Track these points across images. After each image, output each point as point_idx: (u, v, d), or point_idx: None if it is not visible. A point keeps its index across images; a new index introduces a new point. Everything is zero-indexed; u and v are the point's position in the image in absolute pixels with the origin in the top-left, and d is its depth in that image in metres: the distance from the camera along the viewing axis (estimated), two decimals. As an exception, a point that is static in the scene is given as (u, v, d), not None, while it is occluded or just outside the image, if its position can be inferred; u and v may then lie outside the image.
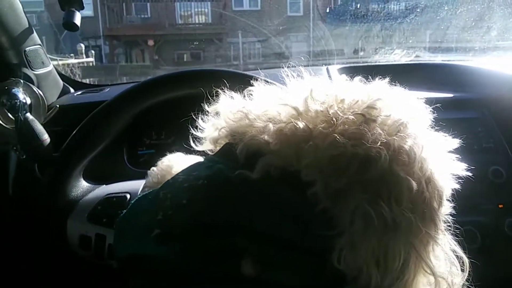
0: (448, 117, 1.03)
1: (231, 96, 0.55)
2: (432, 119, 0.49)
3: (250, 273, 0.41)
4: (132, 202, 0.54)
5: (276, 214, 0.42)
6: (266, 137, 0.46)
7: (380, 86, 0.50)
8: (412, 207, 0.41)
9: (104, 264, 0.70)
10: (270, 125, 0.46)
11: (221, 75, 0.81)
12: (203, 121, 0.57)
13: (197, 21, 13.46)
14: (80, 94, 1.20)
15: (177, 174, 0.50)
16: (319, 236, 0.43)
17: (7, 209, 0.99)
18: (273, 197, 0.44)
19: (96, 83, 1.42)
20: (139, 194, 0.68)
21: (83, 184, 0.74)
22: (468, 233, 0.90)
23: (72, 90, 1.30)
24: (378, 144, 0.41)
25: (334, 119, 0.44)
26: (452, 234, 0.46)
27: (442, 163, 0.46)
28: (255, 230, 0.42)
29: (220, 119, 0.54)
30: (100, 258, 0.69)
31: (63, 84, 1.25)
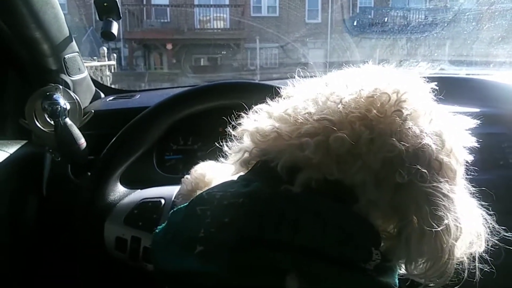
0: (474, 131, 1.03)
1: (256, 114, 0.56)
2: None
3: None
4: (169, 215, 0.56)
5: (320, 227, 0.44)
6: (306, 152, 0.47)
7: (394, 75, 0.52)
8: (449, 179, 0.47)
9: (139, 266, 0.72)
10: (310, 141, 0.48)
11: (254, 88, 0.83)
12: (229, 146, 0.59)
13: (215, 27, 13.61)
14: (112, 99, 1.24)
15: (213, 190, 0.51)
16: (364, 247, 0.44)
17: (42, 210, 1.03)
18: (315, 210, 0.45)
19: (125, 88, 1.46)
20: (174, 201, 0.71)
21: (120, 188, 0.77)
22: (493, 250, 0.89)
23: (102, 95, 1.35)
24: (419, 136, 0.45)
25: (373, 122, 0.46)
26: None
27: (462, 138, 0.51)
28: (299, 245, 0.43)
29: (247, 140, 0.55)
30: (135, 260, 0.72)
31: (95, 89, 1.30)
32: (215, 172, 0.67)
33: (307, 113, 0.50)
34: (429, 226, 0.43)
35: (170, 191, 0.77)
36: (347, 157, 0.47)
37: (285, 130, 0.50)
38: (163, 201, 0.75)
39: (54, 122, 0.89)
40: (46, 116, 0.95)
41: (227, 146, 0.59)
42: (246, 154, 0.55)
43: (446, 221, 0.44)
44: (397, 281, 0.50)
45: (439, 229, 0.43)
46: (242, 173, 0.56)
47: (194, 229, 0.47)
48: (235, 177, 0.55)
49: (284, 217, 0.44)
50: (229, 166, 0.61)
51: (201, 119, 1.02)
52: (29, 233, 1.01)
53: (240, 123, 0.57)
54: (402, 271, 0.50)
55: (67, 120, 0.89)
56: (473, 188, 0.53)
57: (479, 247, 0.49)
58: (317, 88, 0.54)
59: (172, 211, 0.57)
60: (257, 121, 0.55)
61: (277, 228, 0.44)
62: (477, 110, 1.14)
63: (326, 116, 0.48)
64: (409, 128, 0.46)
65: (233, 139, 0.59)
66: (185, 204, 0.54)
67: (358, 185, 0.47)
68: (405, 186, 0.45)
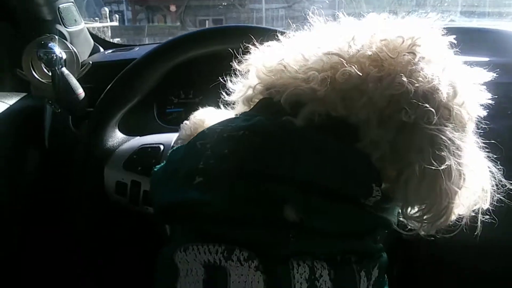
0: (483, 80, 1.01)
1: (263, 51, 0.55)
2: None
3: (293, 219, 0.42)
4: (169, 153, 0.56)
5: (320, 162, 0.43)
6: (312, 85, 0.46)
7: (409, 23, 0.50)
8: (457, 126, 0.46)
9: (139, 211, 0.73)
10: (316, 74, 0.46)
11: (250, 31, 0.81)
12: (232, 82, 0.58)
13: (219, -13, 13.21)
14: (111, 52, 1.22)
15: (214, 125, 0.51)
16: (364, 183, 0.44)
17: (44, 162, 1.04)
18: (316, 144, 0.44)
19: (125, 43, 1.43)
20: (173, 146, 0.71)
21: (119, 135, 0.78)
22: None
23: (102, 49, 1.33)
24: (431, 80, 0.44)
25: (384, 62, 0.45)
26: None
27: (477, 94, 0.50)
28: (298, 178, 0.43)
29: (252, 76, 0.54)
30: (135, 204, 0.73)
31: (94, 43, 1.27)
32: (215, 118, 0.67)
33: (317, 47, 0.49)
34: (430, 165, 0.42)
35: (169, 137, 0.77)
36: (353, 93, 0.46)
37: (292, 64, 0.49)
38: (162, 147, 0.75)
39: (51, 72, 0.88)
40: (43, 66, 0.94)
41: (230, 82, 0.58)
42: (250, 91, 0.54)
43: (448, 163, 0.42)
44: (396, 219, 0.50)
45: (440, 168, 0.42)
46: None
47: (193, 162, 0.47)
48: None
49: (285, 150, 0.44)
50: (229, 112, 0.61)
51: (202, 72, 1.00)
52: (31, 186, 1.02)
53: (246, 59, 0.56)
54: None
55: (64, 69, 0.88)
56: (479, 138, 0.51)
57: (484, 203, 0.48)
58: (327, 29, 0.52)
59: (171, 149, 0.57)
60: (264, 57, 0.53)
61: (277, 160, 0.43)
62: (486, 59, 1.11)
63: (335, 51, 0.47)
64: (421, 69, 0.44)
65: (237, 75, 0.57)
66: (186, 143, 0.54)
67: (361, 122, 0.46)
68: (410, 126, 0.44)
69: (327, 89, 0.45)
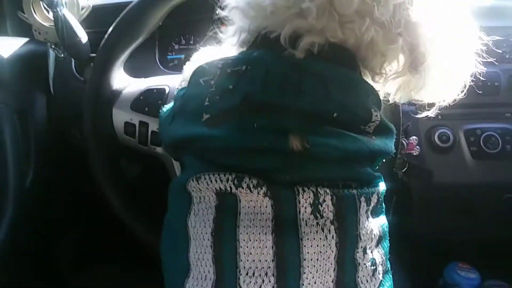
0: (485, 24, 1.01)
1: None
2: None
3: (297, 147, 0.45)
4: (175, 94, 0.57)
5: (322, 91, 0.45)
6: (309, 19, 0.47)
7: None
8: None
9: (147, 151, 0.77)
10: (311, 5, 0.47)
11: None
12: (222, 32, 0.57)
13: None
14: (111, -5, 1.20)
15: (213, 61, 0.52)
16: (366, 108, 0.47)
17: (50, 107, 1.06)
18: (318, 73, 0.46)
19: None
20: (177, 88, 0.73)
21: (125, 76, 0.79)
22: (489, 138, 0.93)
23: (100, -7, 1.30)
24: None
25: None
26: None
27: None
28: (302, 108, 0.45)
29: (241, 19, 0.54)
30: (144, 144, 0.75)
31: (91, -15, 1.24)
32: (216, 55, 0.68)
33: None
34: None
35: (174, 79, 0.79)
36: (354, 17, 0.47)
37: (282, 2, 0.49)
38: (167, 88, 0.77)
39: (52, 14, 0.87)
40: (43, 8, 0.93)
41: (220, 32, 0.58)
42: (244, 34, 0.55)
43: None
44: (393, 146, 0.53)
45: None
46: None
47: (199, 99, 0.49)
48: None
49: (287, 81, 0.46)
50: (229, 48, 0.62)
51: (203, 18, 0.99)
52: (40, 130, 1.04)
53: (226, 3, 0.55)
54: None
55: (66, 11, 0.87)
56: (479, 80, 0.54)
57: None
58: None
59: (177, 90, 0.59)
60: None
61: (280, 92, 0.45)
62: (488, 3, 1.10)
63: None
64: None
65: (224, 22, 0.57)
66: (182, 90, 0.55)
67: (363, 45, 0.48)
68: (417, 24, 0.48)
69: (327, 19, 0.46)
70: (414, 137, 0.91)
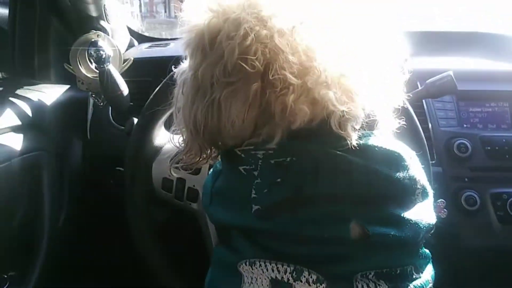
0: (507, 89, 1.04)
1: None
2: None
3: (358, 234, 0.45)
4: (209, 175, 0.58)
5: (373, 177, 0.47)
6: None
7: None
8: None
9: (183, 206, 0.79)
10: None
11: None
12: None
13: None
14: (148, 48, 1.27)
15: (248, 149, 0.50)
16: (412, 185, 0.49)
17: (87, 152, 1.10)
18: (364, 161, 0.47)
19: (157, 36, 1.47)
20: None
21: (165, 133, 0.82)
22: None
23: (136, 42, 1.37)
24: None
25: None
26: None
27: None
28: (356, 195, 0.46)
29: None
30: (180, 200, 0.78)
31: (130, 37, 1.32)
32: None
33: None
34: None
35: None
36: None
37: None
38: None
39: (99, 69, 0.92)
40: (89, 62, 0.99)
41: None
42: None
43: None
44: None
45: None
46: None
47: (243, 189, 0.49)
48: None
49: (337, 171, 0.46)
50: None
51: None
52: (75, 174, 1.08)
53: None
54: None
55: (111, 66, 0.92)
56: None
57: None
58: None
59: (211, 171, 0.60)
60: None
61: (332, 182, 0.46)
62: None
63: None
64: None
65: None
66: (219, 168, 0.55)
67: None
68: None
69: None
70: (441, 200, 0.92)
